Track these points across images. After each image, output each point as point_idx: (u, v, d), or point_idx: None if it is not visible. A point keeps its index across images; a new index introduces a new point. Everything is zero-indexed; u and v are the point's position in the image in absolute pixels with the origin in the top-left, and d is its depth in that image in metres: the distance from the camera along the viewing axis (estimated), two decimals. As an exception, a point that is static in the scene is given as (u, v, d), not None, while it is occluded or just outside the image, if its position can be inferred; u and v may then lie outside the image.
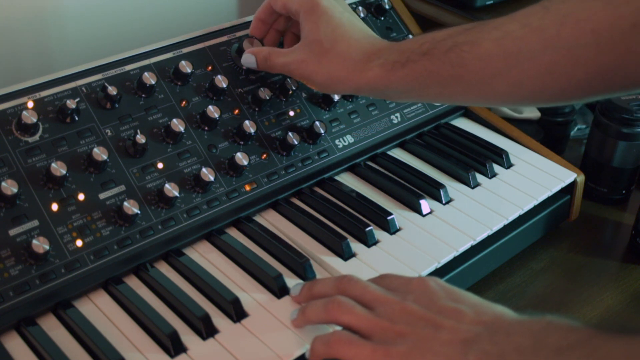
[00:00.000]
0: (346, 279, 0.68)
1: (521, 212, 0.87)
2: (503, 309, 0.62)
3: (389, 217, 0.82)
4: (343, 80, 0.78)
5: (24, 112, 0.73)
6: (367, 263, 0.78)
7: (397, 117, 0.97)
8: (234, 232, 0.81)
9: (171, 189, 0.77)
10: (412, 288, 0.66)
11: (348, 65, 0.78)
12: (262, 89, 0.87)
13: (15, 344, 0.67)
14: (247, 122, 0.84)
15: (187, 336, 0.68)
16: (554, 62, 0.68)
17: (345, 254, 0.78)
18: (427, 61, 0.74)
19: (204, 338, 0.68)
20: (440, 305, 0.63)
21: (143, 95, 0.82)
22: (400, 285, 0.67)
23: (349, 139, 0.93)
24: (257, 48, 0.85)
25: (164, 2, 1.12)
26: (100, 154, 0.75)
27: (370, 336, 0.62)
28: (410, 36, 1.02)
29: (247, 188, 0.83)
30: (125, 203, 0.74)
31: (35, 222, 0.72)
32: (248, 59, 0.85)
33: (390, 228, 0.82)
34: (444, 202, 0.87)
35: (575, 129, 1.16)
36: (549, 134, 1.08)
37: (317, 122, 0.88)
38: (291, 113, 0.90)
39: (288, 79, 0.89)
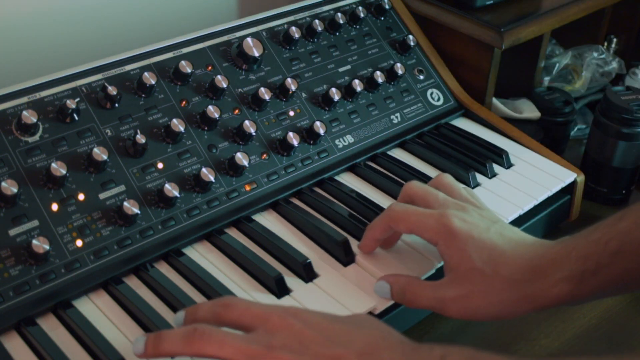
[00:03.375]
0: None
1: (521, 212, 0.87)
2: (385, 339, 0.57)
3: (389, 217, 0.82)
4: (520, 305, 0.68)
5: (24, 112, 0.73)
6: (367, 263, 0.78)
7: (397, 117, 0.97)
8: (234, 232, 0.81)
9: (171, 189, 0.77)
10: (274, 327, 0.58)
11: (522, 287, 0.67)
12: (262, 89, 0.87)
13: (15, 344, 0.67)
14: (247, 122, 0.84)
15: (187, 336, 0.68)
16: None
17: (345, 255, 0.78)
18: (622, 260, 0.64)
19: (204, 338, 0.68)
20: (314, 351, 0.56)
21: (143, 95, 0.82)
22: (259, 323, 0.59)
23: (349, 139, 0.93)
24: (394, 276, 0.73)
25: (164, 2, 1.12)
26: (100, 154, 0.75)
27: None
28: (411, 36, 1.02)
29: (247, 188, 0.83)
30: (125, 203, 0.74)
31: (35, 222, 0.72)
32: (381, 288, 0.73)
33: (390, 228, 0.82)
34: (444, 202, 0.87)
35: (575, 129, 1.16)
36: (549, 134, 1.08)
37: (317, 122, 0.88)
38: (291, 113, 0.90)
39: (288, 79, 0.89)
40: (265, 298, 0.73)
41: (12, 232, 0.71)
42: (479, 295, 0.68)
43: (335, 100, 0.92)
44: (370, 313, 0.73)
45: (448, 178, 0.78)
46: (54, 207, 0.73)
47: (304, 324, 0.58)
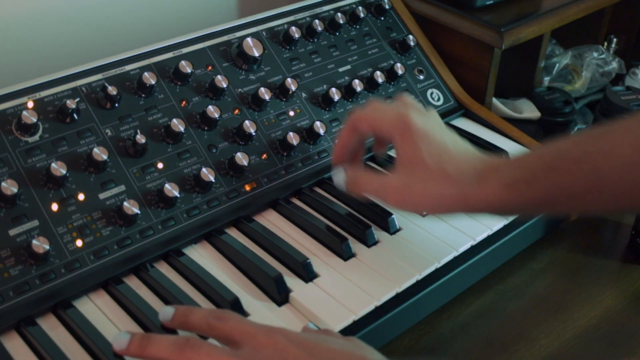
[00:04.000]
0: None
1: (521, 212, 0.87)
2: (365, 358, 0.59)
3: (389, 217, 0.82)
4: (455, 202, 0.71)
5: (24, 112, 0.73)
6: (367, 263, 0.78)
7: (397, 117, 0.97)
8: (234, 232, 0.81)
9: (171, 189, 0.77)
10: (260, 345, 0.59)
11: (461, 185, 0.70)
12: (262, 89, 0.87)
13: (15, 344, 0.67)
14: (247, 122, 0.84)
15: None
16: None
17: (345, 254, 0.78)
18: (556, 176, 0.66)
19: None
20: None
21: (143, 95, 0.82)
22: (247, 340, 0.60)
23: (349, 139, 0.92)
24: (351, 167, 0.80)
25: (164, 2, 1.12)
26: (100, 154, 0.75)
27: None
28: (411, 36, 1.02)
29: (247, 188, 0.83)
30: (125, 203, 0.74)
31: (35, 222, 0.72)
32: (337, 177, 0.80)
33: (390, 228, 0.82)
34: (444, 202, 0.87)
35: (575, 129, 1.16)
36: (549, 134, 1.08)
37: (317, 122, 0.88)
38: (291, 113, 0.90)
39: (288, 79, 0.89)
40: (265, 298, 0.73)
41: (12, 232, 0.71)
42: (418, 184, 0.72)
43: (335, 100, 0.92)
44: (367, 320, 0.73)
45: (409, 98, 0.81)
46: (54, 207, 0.73)
47: (289, 341, 0.59)
